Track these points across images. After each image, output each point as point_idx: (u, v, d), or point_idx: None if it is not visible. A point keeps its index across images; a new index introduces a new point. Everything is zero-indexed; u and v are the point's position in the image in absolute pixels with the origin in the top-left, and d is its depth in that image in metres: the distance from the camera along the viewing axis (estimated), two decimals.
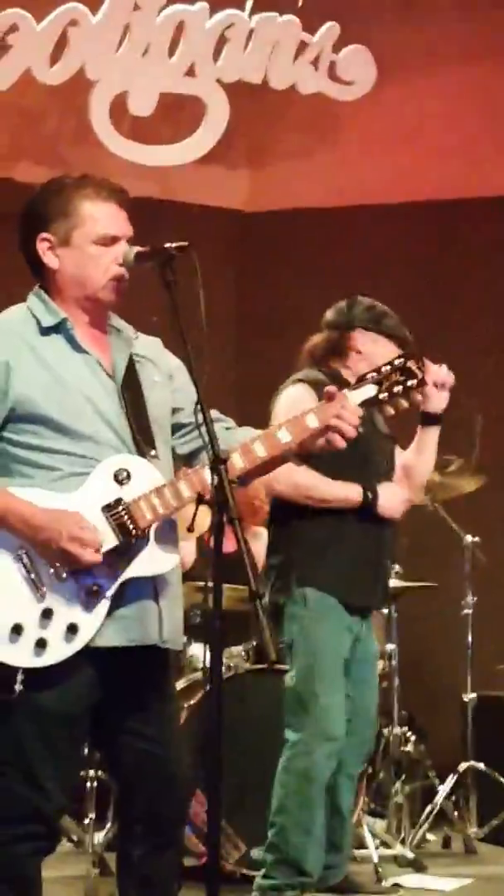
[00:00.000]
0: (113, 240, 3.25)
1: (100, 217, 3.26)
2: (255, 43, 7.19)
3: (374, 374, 3.30)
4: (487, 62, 7.39)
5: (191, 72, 7.15)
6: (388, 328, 4.80)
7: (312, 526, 4.68)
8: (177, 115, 7.24)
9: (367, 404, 3.29)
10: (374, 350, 4.74)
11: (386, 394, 3.30)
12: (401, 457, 4.92)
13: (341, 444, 3.25)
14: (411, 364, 3.33)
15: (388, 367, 3.31)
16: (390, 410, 3.34)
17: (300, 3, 7.12)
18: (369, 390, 3.29)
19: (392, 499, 4.71)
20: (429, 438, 4.84)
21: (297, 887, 4.47)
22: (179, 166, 7.34)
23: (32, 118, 7.05)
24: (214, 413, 3.26)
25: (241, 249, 7.63)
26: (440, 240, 7.47)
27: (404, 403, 3.34)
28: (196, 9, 7.06)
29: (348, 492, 4.66)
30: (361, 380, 3.31)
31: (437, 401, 4.74)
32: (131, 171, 7.15)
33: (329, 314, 4.90)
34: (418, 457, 4.87)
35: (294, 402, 4.56)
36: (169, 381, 3.37)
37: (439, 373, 4.70)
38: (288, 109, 7.45)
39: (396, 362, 3.33)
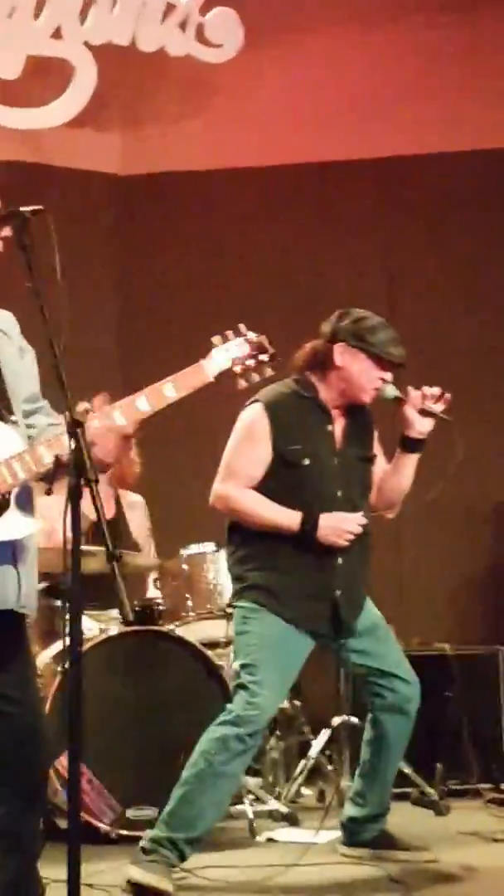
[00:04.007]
0: None
1: None
2: (121, 5, 7.15)
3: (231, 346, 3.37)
4: (355, 26, 7.43)
5: (57, 34, 7.09)
6: (372, 346, 4.59)
7: (261, 542, 4.63)
8: (45, 78, 7.18)
9: (222, 376, 3.35)
10: (352, 366, 4.61)
11: (240, 367, 3.37)
12: (379, 471, 4.82)
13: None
14: (263, 340, 3.41)
15: (243, 341, 3.38)
16: (242, 383, 3.39)
17: None
18: (225, 362, 3.35)
19: (332, 528, 4.54)
20: (406, 462, 4.73)
21: (180, 843, 4.47)
22: (52, 129, 7.27)
23: None
24: (44, 402, 3.32)
25: (117, 212, 7.61)
26: (312, 202, 7.51)
27: (256, 377, 3.41)
28: None
29: (281, 518, 4.57)
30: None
31: (420, 425, 4.66)
32: (2, 134, 7.10)
33: (323, 324, 4.71)
34: (391, 479, 4.78)
35: (247, 427, 4.63)
36: (20, 357, 3.37)
37: (426, 401, 4.64)
38: (159, 72, 7.43)
39: (251, 335, 3.39)
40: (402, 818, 5.35)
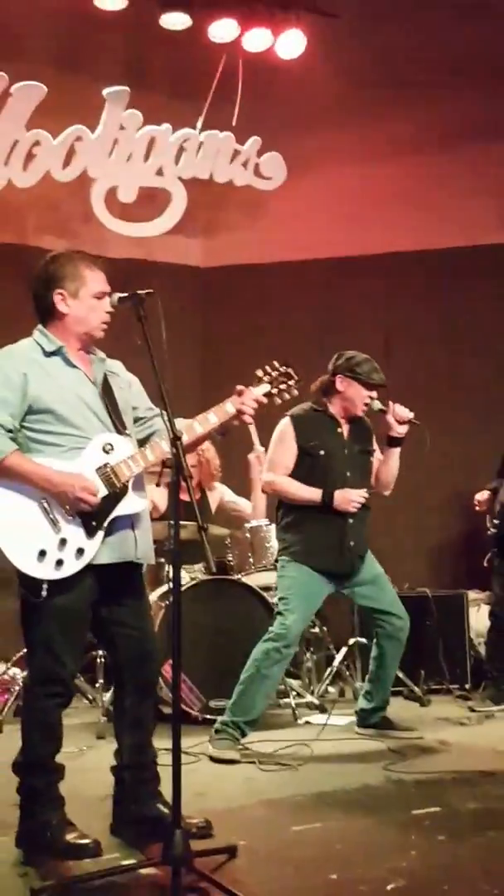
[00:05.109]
0: (103, 294, 3.30)
1: (96, 280, 3.31)
2: (203, 151, 7.18)
3: (267, 376, 3.38)
4: (361, 162, 7.40)
5: (160, 172, 7.12)
6: (360, 375, 4.65)
7: (294, 514, 4.69)
8: (151, 202, 7.21)
9: (266, 396, 3.38)
10: (348, 391, 4.68)
11: (276, 390, 3.41)
12: (376, 462, 4.86)
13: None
14: (290, 370, 3.44)
15: (276, 372, 3.40)
16: (277, 400, 3.42)
17: (234, 123, 7.11)
18: (265, 387, 3.39)
19: (343, 499, 4.58)
20: (392, 455, 4.79)
21: (241, 725, 4.50)
22: (154, 237, 7.33)
23: (52, 205, 7.00)
24: (157, 409, 3.36)
25: (199, 295, 7.61)
26: (331, 288, 7.46)
27: (287, 396, 3.43)
28: (163, 128, 7.06)
29: (308, 493, 4.62)
30: (259, 380, 3.39)
31: (399, 429, 4.72)
32: (121, 240, 7.16)
33: (329, 364, 4.79)
34: (383, 467, 4.82)
35: (280, 433, 4.70)
36: (129, 388, 3.43)
37: (400, 411, 4.68)
38: (228, 196, 7.45)
39: (282, 368, 3.41)
40: (397, 708, 5.33)
